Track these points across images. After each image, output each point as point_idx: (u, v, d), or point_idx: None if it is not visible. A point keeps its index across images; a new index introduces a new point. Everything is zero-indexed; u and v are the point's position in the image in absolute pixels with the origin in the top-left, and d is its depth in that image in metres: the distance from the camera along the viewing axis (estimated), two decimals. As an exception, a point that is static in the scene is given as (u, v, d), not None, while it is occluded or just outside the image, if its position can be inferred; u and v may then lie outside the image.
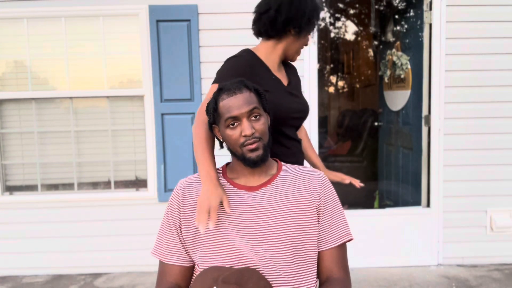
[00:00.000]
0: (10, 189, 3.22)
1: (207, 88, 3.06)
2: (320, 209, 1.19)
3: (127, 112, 3.18)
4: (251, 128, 1.14)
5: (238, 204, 1.17)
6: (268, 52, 1.59)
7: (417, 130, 3.33)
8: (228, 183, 1.23)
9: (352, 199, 4.43)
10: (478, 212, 3.15)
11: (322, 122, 6.31)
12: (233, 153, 1.21)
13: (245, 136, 1.15)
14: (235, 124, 1.15)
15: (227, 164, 1.32)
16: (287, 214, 1.15)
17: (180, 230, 1.19)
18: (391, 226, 3.16)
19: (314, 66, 3.07)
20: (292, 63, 1.77)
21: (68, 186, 3.23)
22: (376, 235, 3.16)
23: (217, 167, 1.29)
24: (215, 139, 1.33)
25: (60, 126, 3.18)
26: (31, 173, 3.21)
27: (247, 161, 1.16)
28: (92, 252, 3.16)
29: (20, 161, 3.20)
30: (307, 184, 1.21)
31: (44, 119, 3.18)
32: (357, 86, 7.81)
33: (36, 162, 3.19)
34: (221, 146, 1.30)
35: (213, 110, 1.20)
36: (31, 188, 3.22)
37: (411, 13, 3.40)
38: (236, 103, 1.15)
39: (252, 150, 1.15)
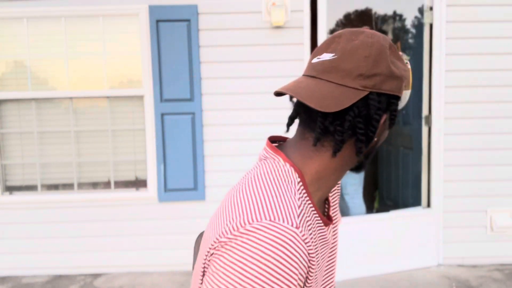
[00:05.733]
0: (10, 189, 3.22)
1: (207, 88, 3.06)
2: None
3: (127, 112, 3.18)
4: None
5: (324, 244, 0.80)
6: None
7: (417, 130, 3.33)
8: (315, 213, 0.74)
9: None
10: (478, 212, 3.15)
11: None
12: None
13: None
14: None
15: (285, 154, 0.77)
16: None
17: None
18: (391, 227, 3.15)
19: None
20: None
21: (68, 186, 3.22)
22: (376, 237, 3.15)
23: (289, 165, 0.72)
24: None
25: (60, 126, 3.18)
26: (31, 173, 3.21)
27: (359, 169, 0.79)
28: (92, 252, 3.16)
29: (20, 161, 3.20)
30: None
31: (44, 119, 3.18)
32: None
33: (36, 162, 3.19)
34: (338, 150, 0.72)
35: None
36: (31, 188, 3.22)
37: (412, 13, 3.39)
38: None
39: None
